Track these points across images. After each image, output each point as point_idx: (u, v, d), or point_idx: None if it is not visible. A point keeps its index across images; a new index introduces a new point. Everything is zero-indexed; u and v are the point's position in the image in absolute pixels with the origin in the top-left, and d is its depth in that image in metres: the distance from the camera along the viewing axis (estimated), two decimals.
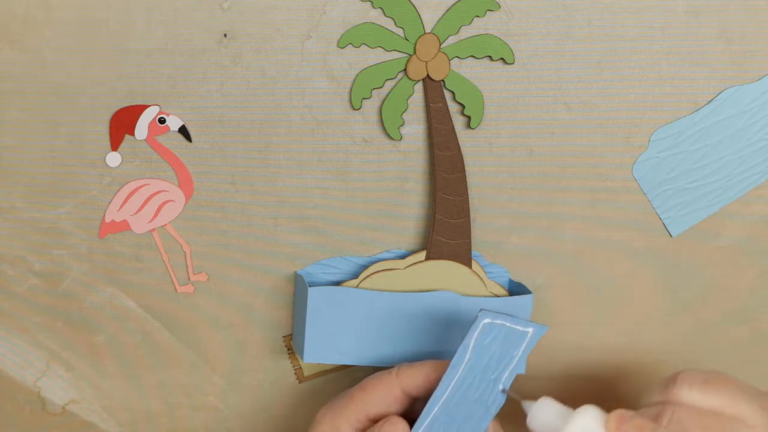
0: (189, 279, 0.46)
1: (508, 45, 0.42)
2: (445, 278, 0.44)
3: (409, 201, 0.45)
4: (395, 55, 0.42)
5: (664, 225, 0.45)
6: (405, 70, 0.42)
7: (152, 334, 0.47)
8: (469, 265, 0.44)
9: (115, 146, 0.44)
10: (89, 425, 0.49)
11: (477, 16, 0.42)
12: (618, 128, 0.44)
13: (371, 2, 0.41)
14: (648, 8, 0.42)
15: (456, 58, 0.42)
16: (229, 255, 0.46)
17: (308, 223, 0.45)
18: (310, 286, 0.43)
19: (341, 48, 0.42)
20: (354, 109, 0.43)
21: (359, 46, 0.42)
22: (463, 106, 0.43)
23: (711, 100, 0.43)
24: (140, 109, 0.43)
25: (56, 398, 0.48)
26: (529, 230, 0.45)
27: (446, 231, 0.44)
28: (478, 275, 0.44)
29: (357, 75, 0.42)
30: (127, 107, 0.43)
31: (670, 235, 0.45)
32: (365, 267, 0.45)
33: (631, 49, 0.42)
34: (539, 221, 0.45)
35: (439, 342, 0.44)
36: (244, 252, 0.45)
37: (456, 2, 0.41)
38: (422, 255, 0.44)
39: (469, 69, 0.42)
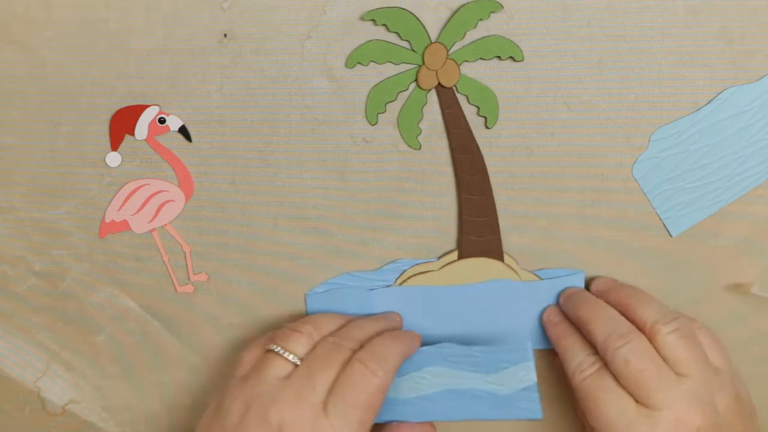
0: (189, 279, 0.46)
1: (515, 43, 0.42)
2: (479, 274, 0.45)
3: (409, 201, 0.45)
4: (405, 67, 0.42)
5: (664, 225, 0.45)
6: (416, 80, 0.42)
7: (152, 334, 0.47)
8: (501, 259, 0.45)
9: (115, 146, 0.44)
10: (89, 425, 0.49)
11: (481, 19, 0.42)
12: (618, 128, 0.44)
13: (374, 20, 0.41)
14: (648, 8, 0.42)
15: (465, 62, 0.42)
16: (229, 255, 0.46)
17: (308, 223, 0.45)
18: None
19: (350, 68, 0.42)
20: (370, 124, 0.43)
21: (368, 64, 0.42)
22: (477, 108, 0.43)
23: (711, 100, 0.43)
24: (140, 109, 0.43)
25: (56, 398, 0.48)
26: (529, 230, 0.45)
27: (475, 229, 0.44)
28: (511, 268, 0.45)
29: (370, 90, 0.42)
30: (127, 107, 0.43)
31: (670, 235, 0.45)
32: (372, 280, 0.45)
33: (631, 49, 0.42)
34: (539, 221, 0.45)
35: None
36: (244, 252, 0.46)
37: (459, 8, 0.41)
38: (455, 255, 0.45)
39: (469, 69, 0.42)
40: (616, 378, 0.39)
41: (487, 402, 0.42)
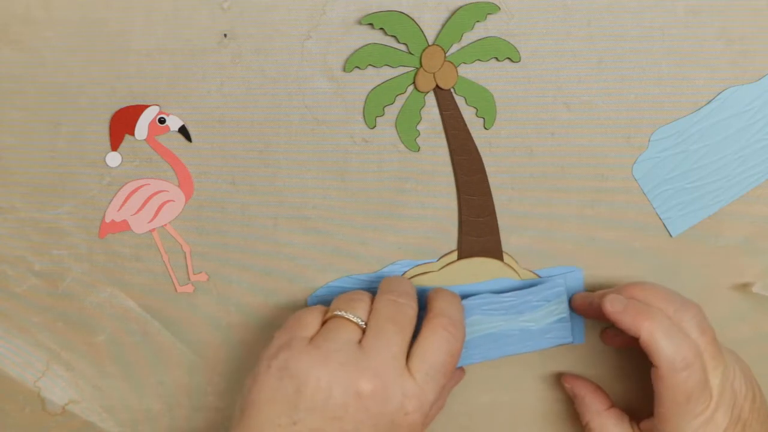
0: (189, 279, 0.46)
1: (512, 44, 0.42)
2: (479, 274, 0.45)
3: (409, 201, 0.45)
4: (402, 70, 0.42)
5: (664, 225, 0.45)
6: (414, 83, 0.42)
7: (152, 334, 0.47)
8: (501, 259, 0.45)
9: (115, 146, 0.44)
10: (89, 425, 0.49)
11: (478, 21, 0.42)
12: (618, 128, 0.44)
13: (372, 24, 0.41)
14: (648, 8, 0.42)
15: (462, 64, 0.42)
16: (229, 255, 0.46)
17: (308, 223, 0.45)
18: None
19: (347, 72, 0.42)
20: (369, 128, 0.43)
21: (365, 68, 0.42)
22: (476, 109, 0.43)
23: (711, 100, 0.43)
24: (140, 109, 0.43)
25: (56, 398, 0.48)
26: (529, 230, 0.45)
27: (474, 229, 0.45)
28: (510, 267, 0.45)
29: (368, 94, 0.42)
30: (127, 107, 0.43)
31: (670, 235, 0.45)
32: (373, 282, 0.45)
33: (631, 49, 0.42)
34: (539, 221, 0.45)
35: None
36: (244, 252, 0.46)
37: (456, 10, 0.41)
38: (454, 255, 0.45)
39: (470, 70, 0.42)
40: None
41: (518, 338, 0.44)
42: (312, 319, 0.40)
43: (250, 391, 0.39)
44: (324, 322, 0.40)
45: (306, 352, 0.38)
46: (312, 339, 0.39)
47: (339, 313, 0.40)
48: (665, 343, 0.38)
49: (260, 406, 0.38)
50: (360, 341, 0.39)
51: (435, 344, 0.39)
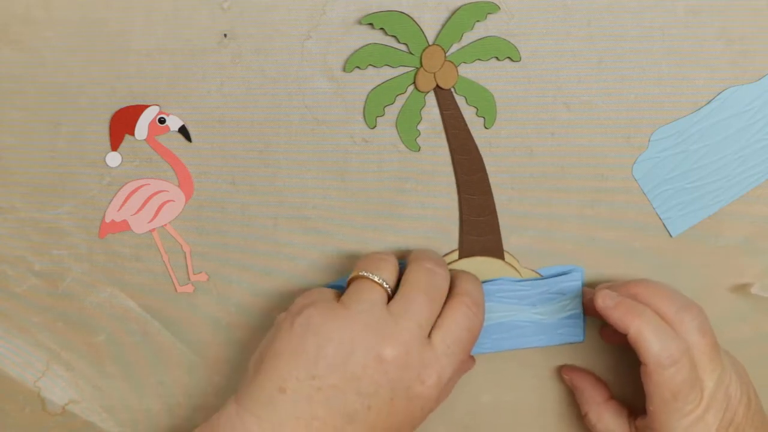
0: (189, 279, 0.46)
1: (512, 44, 0.42)
2: (480, 273, 0.45)
3: (409, 201, 0.45)
4: (403, 69, 0.42)
5: (664, 225, 0.45)
6: (414, 83, 0.42)
7: (152, 334, 0.47)
8: (502, 258, 0.45)
9: (115, 146, 0.44)
10: (89, 425, 0.49)
11: (478, 21, 0.42)
12: (618, 128, 0.44)
13: (372, 24, 0.41)
14: (648, 8, 0.42)
15: (463, 64, 0.42)
16: (229, 255, 0.46)
17: (308, 223, 0.45)
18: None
19: (348, 72, 0.42)
20: (370, 128, 0.43)
21: (365, 68, 0.42)
22: (476, 109, 0.43)
23: (711, 100, 0.43)
24: (140, 109, 0.43)
25: (56, 398, 0.48)
26: (529, 230, 0.45)
27: (475, 229, 0.45)
28: (512, 266, 0.45)
29: (368, 94, 0.42)
30: (127, 107, 0.43)
31: (670, 235, 0.45)
32: None
33: (631, 49, 0.42)
34: (539, 221, 0.45)
35: None
36: (244, 252, 0.46)
37: (456, 10, 0.41)
38: (455, 255, 0.45)
39: (470, 70, 0.42)
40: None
41: (530, 331, 0.45)
42: (331, 292, 0.41)
43: (269, 346, 0.39)
44: (350, 282, 0.40)
45: (332, 311, 0.38)
46: (339, 300, 0.39)
47: (364, 273, 0.40)
48: (652, 340, 0.39)
49: (280, 359, 0.38)
50: (387, 304, 0.39)
51: (457, 320, 0.39)
